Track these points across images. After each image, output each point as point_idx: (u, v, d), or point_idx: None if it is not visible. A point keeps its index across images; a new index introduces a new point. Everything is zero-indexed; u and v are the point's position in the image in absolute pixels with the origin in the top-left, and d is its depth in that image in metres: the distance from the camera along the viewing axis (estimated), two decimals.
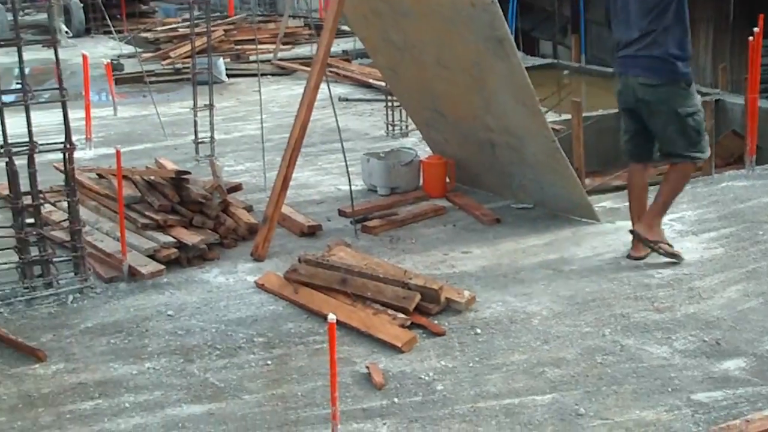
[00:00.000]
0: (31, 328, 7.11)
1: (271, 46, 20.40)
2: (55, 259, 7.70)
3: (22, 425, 5.77)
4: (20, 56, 7.46)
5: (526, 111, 8.51)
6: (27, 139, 7.50)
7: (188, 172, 8.96)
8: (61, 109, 7.57)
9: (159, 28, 24.44)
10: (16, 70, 8.01)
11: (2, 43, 7.31)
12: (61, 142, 7.61)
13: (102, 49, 22.78)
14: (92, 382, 6.26)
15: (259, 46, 19.99)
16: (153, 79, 16.80)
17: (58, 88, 7.59)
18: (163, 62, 19.96)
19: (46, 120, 10.30)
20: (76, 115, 11.64)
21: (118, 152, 7.79)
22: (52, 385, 6.24)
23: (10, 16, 23.98)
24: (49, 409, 5.94)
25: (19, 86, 7.58)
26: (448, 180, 10.02)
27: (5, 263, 7.64)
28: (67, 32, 24.10)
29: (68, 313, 7.36)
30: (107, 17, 18.98)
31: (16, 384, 6.29)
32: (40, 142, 7.55)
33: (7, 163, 7.47)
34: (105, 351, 6.69)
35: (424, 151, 10.76)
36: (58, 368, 6.47)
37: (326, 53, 8.53)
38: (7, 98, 7.60)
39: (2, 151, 7.39)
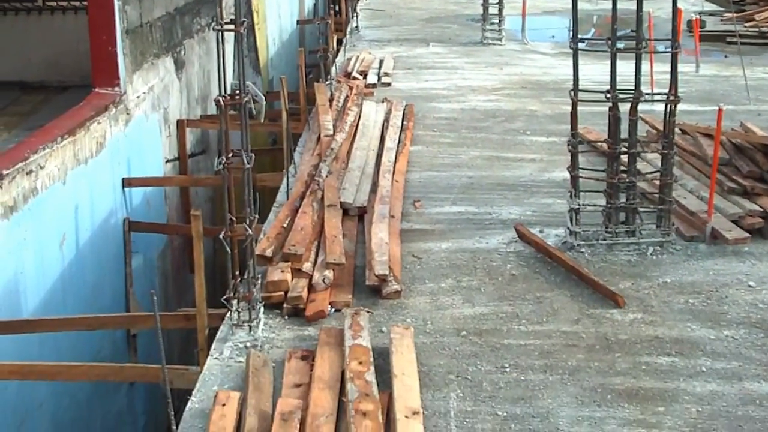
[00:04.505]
0: (609, 273, 7.24)
1: None
2: (640, 209, 7.74)
3: (599, 366, 5.90)
4: (614, 11, 7.54)
5: None
6: (632, 87, 7.57)
7: None
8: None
9: None
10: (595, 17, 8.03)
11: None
12: (665, 93, 7.60)
13: (682, 4, 22.46)
14: (669, 338, 6.24)
15: None
16: (735, 40, 16.23)
17: (670, 40, 7.57)
18: (747, 24, 19.25)
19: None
20: (658, 68, 11.64)
21: (719, 111, 7.64)
22: (629, 333, 6.32)
23: None
24: (625, 356, 6.01)
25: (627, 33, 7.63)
26: None
27: (592, 205, 7.80)
28: None
29: (647, 264, 7.40)
30: None
31: (594, 325, 6.44)
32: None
33: (610, 108, 7.59)
34: (682, 309, 6.64)
35: None
36: (636, 317, 6.53)
37: None
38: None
39: (608, 96, 7.51)
